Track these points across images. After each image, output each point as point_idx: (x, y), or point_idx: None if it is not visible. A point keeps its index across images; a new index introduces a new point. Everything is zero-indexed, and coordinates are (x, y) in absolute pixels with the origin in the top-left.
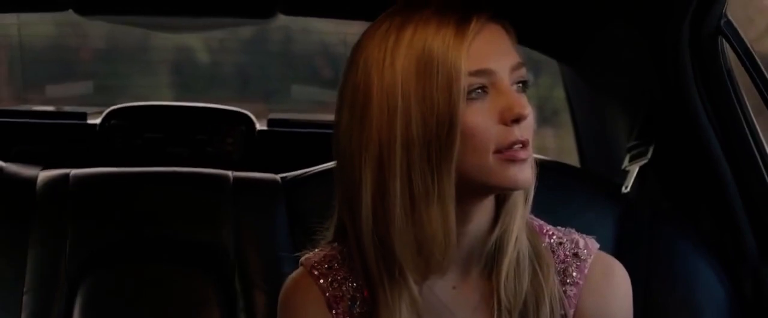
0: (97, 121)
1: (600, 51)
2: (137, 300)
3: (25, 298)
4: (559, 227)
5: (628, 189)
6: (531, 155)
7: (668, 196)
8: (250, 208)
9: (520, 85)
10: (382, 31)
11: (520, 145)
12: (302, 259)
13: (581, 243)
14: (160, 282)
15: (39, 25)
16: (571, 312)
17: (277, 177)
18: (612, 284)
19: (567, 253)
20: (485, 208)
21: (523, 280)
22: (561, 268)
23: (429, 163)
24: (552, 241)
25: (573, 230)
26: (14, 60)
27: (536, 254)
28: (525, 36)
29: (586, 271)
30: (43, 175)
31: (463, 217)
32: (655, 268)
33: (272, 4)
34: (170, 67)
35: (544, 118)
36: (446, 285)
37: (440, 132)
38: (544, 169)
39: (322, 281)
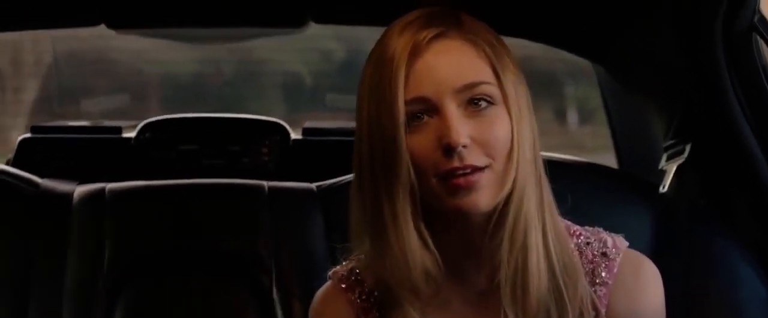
0: (132, 134)
1: (632, 49)
2: (176, 313)
3: (64, 312)
4: (586, 227)
5: (666, 188)
6: (483, 178)
7: (706, 195)
8: (286, 218)
9: (477, 103)
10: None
11: (463, 171)
12: (330, 272)
13: (609, 242)
14: (198, 294)
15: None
16: (603, 311)
17: (313, 186)
18: (641, 282)
19: (595, 252)
20: (476, 222)
21: (531, 295)
22: (589, 269)
23: (384, 182)
24: (579, 241)
25: (601, 229)
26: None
27: (565, 266)
28: (555, 36)
29: (615, 270)
30: (80, 190)
31: (459, 232)
32: (694, 268)
33: (303, 14)
34: (281, 90)
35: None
36: (474, 289)
37: (388, 154)
38: (579, 171)
39: (349, 294)
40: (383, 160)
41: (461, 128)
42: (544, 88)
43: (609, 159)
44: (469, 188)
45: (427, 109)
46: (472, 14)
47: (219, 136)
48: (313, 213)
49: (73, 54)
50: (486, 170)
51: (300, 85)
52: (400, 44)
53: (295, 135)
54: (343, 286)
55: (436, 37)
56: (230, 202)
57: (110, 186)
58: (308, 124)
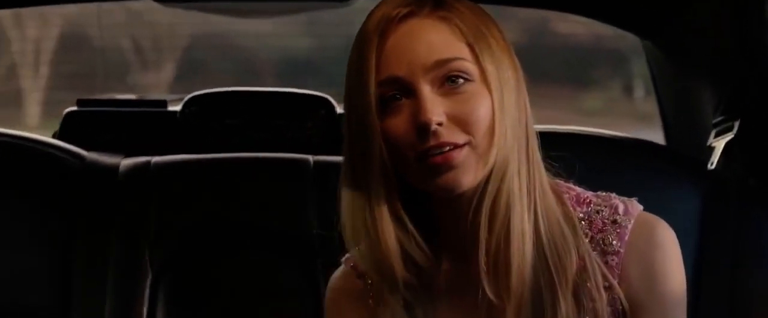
0: (178, 108)
1: (683, 26)
2: (221, 286)
3: (109, 286)
4: (599, 192)
5: (714, 165)
6: (462, 155)
7: (754, 172)
8: (331, 192)
9: (454, 80)
10: None
11: (439, 149)
12: (343, 258)
13: (620, 208)
14: (243, 268)
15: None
16: (615, 282)
17: None
18: (655, 247)
19: (605, 220)
20: (461, 202)
21: (513, 276)
22: (600, 238)
23: (360, 164)
24: (589, 209)
25: (613, 195)
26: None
27: (556, 248)
28: (606, 13)
29: (626, 237)
30: (125, 163)
31: (448, 213)
32: (742, 246)
33: None
34: None
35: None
36: (469, 272)
37: (361, 136)
38: (627, 147)
39: (361, 280)
40: (358, 142)
41: (434, 107)
42: (612, 66)
43: None
44: (448, 165)
45: (401, 89)
46: None
47: (264, 110)
48: None
49: (203, 33)
50: (465, 147)
51: None
52: (371, 25)
53: (341, 109)
54: (356, 272)
55: (406, 16)
56: (276, 175)
57: (155, 159)
58: None
